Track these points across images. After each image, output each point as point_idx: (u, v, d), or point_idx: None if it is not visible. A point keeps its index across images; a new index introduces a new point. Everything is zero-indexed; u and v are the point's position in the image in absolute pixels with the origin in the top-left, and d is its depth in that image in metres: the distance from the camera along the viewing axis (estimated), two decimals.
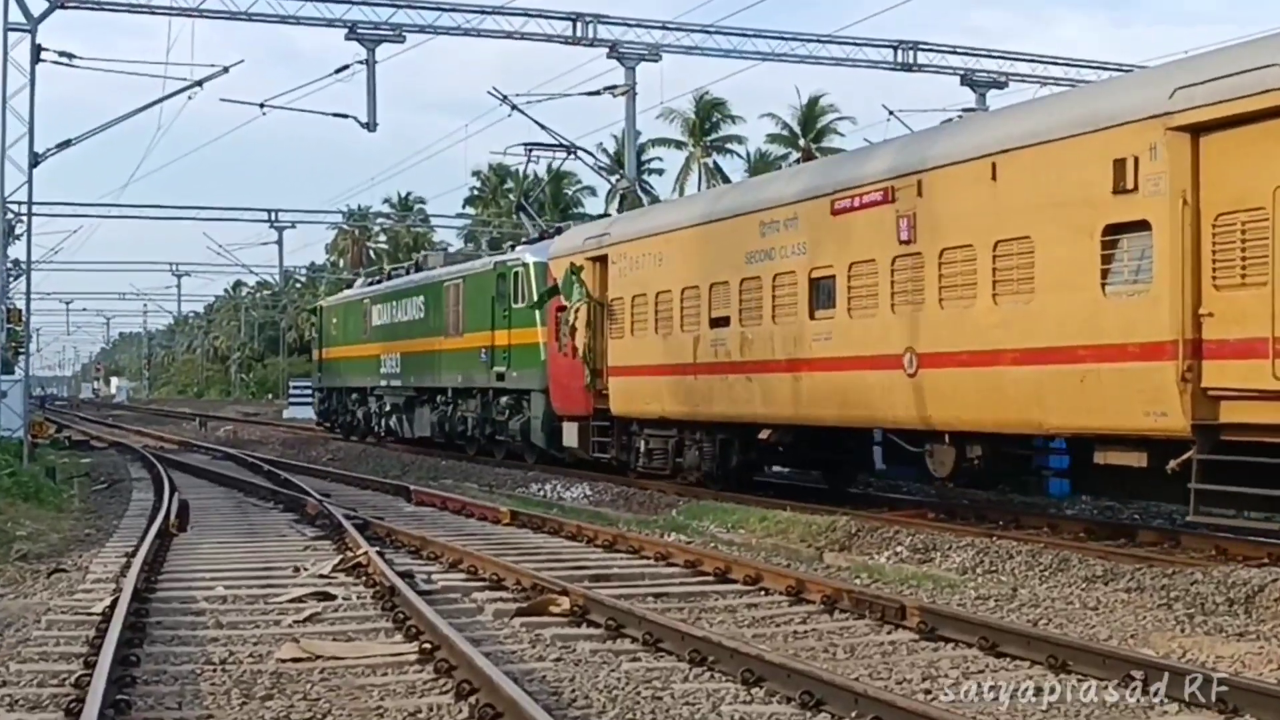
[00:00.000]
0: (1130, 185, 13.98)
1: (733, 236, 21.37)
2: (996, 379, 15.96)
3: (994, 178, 15.94)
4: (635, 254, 24.45)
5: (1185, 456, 13.54)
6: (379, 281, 44.46)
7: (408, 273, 41.43)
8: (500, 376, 31.23)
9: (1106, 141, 14.33)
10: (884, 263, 17.82)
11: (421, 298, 37.70)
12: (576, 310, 25.91)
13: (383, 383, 41.02)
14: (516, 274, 30.75)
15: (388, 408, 41.04)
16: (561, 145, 36.06)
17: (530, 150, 35.63)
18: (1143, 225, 13.95)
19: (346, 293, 50.73)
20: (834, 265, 18.88)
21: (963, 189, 16.50)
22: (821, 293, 19.28)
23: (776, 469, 25.00)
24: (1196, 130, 13.38)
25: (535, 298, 29.03)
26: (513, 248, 33.70)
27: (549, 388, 28.08)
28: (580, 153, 36.44)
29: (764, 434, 21.58)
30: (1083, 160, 14.61)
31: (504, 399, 31.55)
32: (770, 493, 22.26)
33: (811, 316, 19.45)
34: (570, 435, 26.99)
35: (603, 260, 25.59)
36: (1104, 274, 14.47)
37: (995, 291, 15.98)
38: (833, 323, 18.96)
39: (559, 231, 31.48)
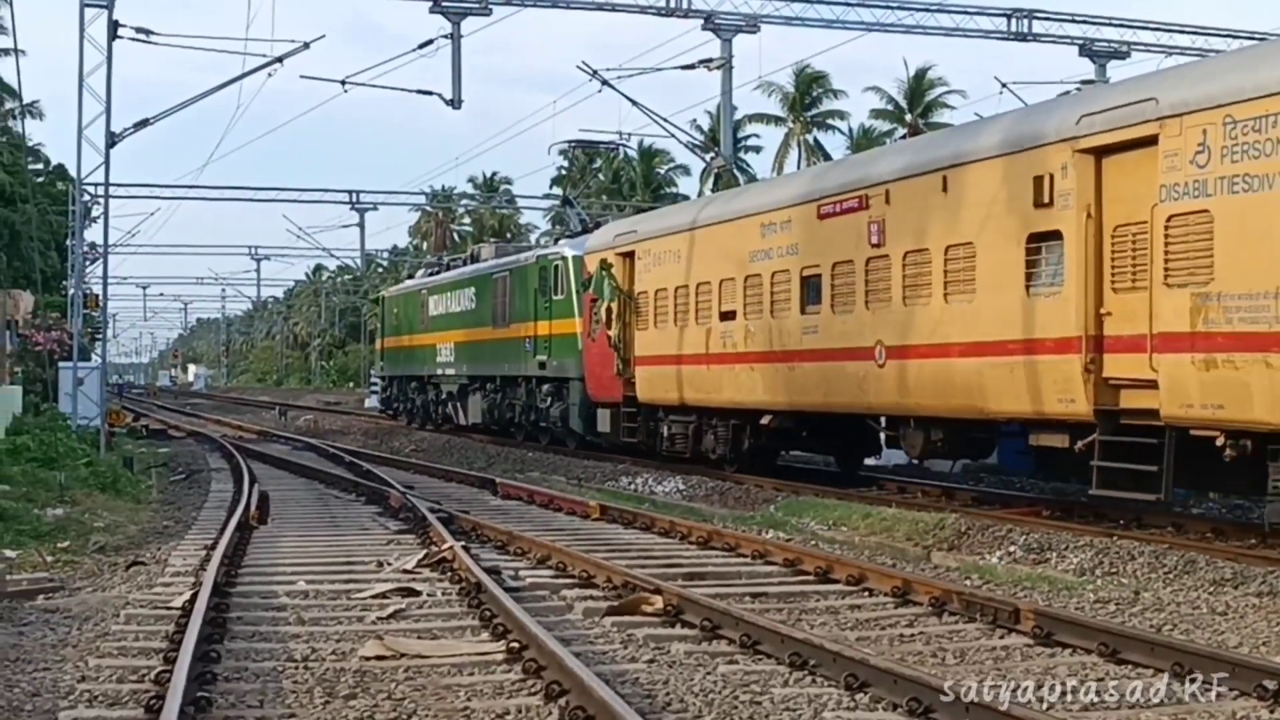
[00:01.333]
0: (1047, 200, 16.17)
1: (739, 236, 23.60)
2: (947, 369, 18.18)
3: (945, 189, 18.21)
4: (658, 251, 26.63)
5: (1090, 438, 15.71)
6: (437, 272, 46.23)
7: (464, 264, 43.29)
8: (542, 365, 33.07)
9: (1029, 161, 16.57)
10: (859, 263, 20.07)
11: (473, 289, 39.74)
12: (608, 303, 28.01)
13: (439, 371, 42.84)
14: (556, 267, 32.57)
15: (444, 395, 42.88)
16: (600, 143, 37.35)
17: (573, 146, 36.78)
18: (1057, 235, 16.16)
19: (406, 283, 52.97)
20: (820, 265, 21.12)
21: (921, 198, 18.74)
22: (810, 290, 21.50)
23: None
24: (1099, 153, 15.62)
25: (574, 290, 30.94)
26: (556, 241, 35.99)
27: (585, 376, 29.91)
28: (625, 146, 37.65)
29: (765, 419, 23.53)
30: (1012, 176, 16.88)
31: (546, 387, 33.30)
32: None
33: (803, 311, 21.70)
34: (604, 421, 29.13)
35: (630, 256, 27.73)
36: (1028, 277, 16.69)
37: (946, 291, 18.21)
38: (819, 317, 21.23)
39: (598, 226, 33.51)
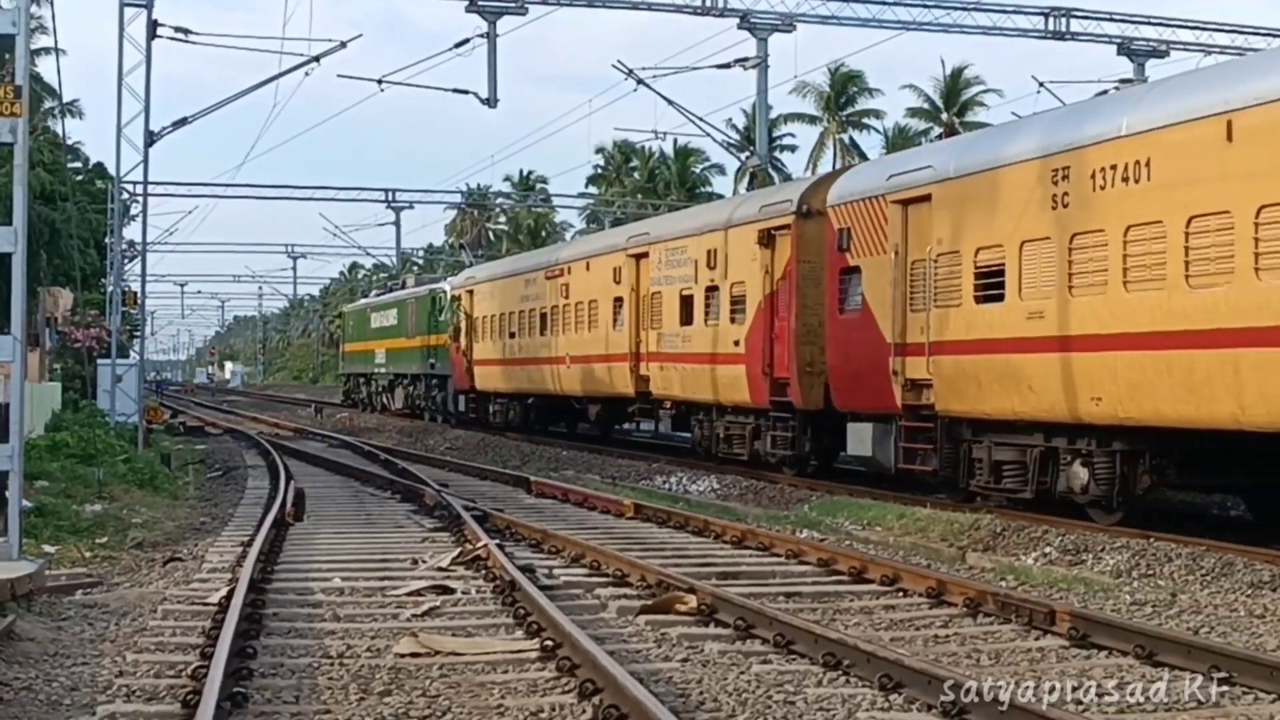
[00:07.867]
0: (619, 280, 30.41)
1: (516, 286, 38.48)
2: (591, 369, 32.03)
3: (588, 269, 32.61)
4: (484, 291, 41.97)
5: (635, 406, 30.76)
6: (382, 294, 61.86)
7: (401, 287, 57.87)
8: (432, 366, 47.98)
9: (613, 259, 31.06)
10: (559, 308, 34.53)
11: (396, 310, 54.86)
12: (460, 324, 42.94)
13: (377, 369, 58.19)
14: (439, 296, 47.73)
15: (379, 388, 58.12)
16: (482, 206, 49.66)
17: (466, 201, 52.81)
18: (622, 300, 30.32)
19: (359, 302, 70.47)
20: (546, 307, 35.58)
21: (580, 274, 33.24)
22: (545, 322, 35.78)
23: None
24: (636, 258, 29.72)
25: (450, 315, 45.00)
26: (444, 278, 50.87)
27: (453, 374, 44.45)
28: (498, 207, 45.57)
29: (529, 400, 38.39)
30: (609, 266, 31.16)
31: (434, 381, 48.46)
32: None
33: (541, 334, 35.94)
34: (462, 404, 44.50)
35: (471, 293, 43.11)
36: (614, 320, 30.64)
37: (589, 326, 32.24)
38: (545, 338, 35.51)
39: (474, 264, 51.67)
